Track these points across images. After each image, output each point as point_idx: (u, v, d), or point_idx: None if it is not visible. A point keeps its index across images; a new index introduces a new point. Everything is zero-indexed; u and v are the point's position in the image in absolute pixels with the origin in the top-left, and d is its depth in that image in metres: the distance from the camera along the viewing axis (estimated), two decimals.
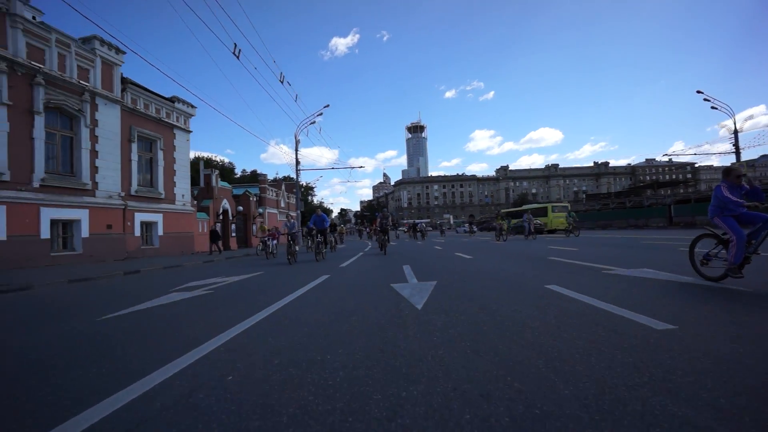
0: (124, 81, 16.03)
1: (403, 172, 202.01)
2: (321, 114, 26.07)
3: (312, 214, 12.32)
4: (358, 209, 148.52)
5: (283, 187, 36.50)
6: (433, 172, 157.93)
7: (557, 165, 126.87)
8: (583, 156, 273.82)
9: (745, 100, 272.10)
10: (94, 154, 14.45)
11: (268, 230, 14.97)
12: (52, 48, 12.94)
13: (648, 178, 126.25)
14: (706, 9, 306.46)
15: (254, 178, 56.03)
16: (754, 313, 2.64)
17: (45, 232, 12.48)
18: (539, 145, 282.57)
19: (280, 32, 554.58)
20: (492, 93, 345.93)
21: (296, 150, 25.37)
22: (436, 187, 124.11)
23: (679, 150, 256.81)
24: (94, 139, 14.46)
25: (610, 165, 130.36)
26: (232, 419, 1.47)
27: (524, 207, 38.77)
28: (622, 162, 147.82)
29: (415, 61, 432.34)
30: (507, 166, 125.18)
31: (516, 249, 11.26)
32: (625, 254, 7.76)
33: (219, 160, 54.70)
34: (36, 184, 12.23)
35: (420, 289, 4.40)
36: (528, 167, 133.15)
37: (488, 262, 7.73)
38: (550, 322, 2.63)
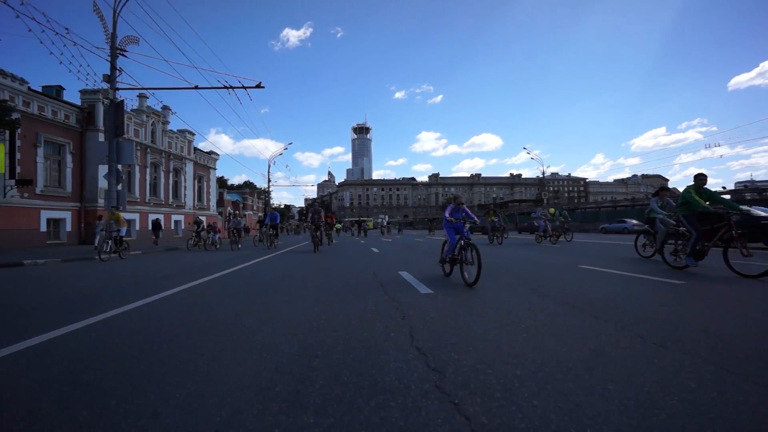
0: (195, 149, 32.11)
1: (348, 171, 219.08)
2: (287, 148, 43.06)
3: (267, 214, 17.10)
4: (302, 205, 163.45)
5: (255, 195, 52.63)
6: (379, 171, 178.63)
7: (480, 174, 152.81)
8: (519, 162, 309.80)
9: (650, 121, 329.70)
10: (185, 188, 30.56)
11: (209, 225, 18.08)
12: (174, 139, 28.97)
13: (551, 189, 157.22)
14: (625, 37, 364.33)
15: (223, 183, 70.24)
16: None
17: (172, 225, 28.60)
18: (481, 150, 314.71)
19: (229, 18, 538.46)
20: (440, 97, 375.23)
21: (268, 173, 42.16)
22: (375, 189, 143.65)
23: (599, 162, 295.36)
24: (184, 180, 30.56)
25: (523, 176, 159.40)
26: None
27: (360, 219, 67.29)
28: (553, 169, 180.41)
29: (366, 60, 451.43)
30: (438, 174, 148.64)
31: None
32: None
33: None
34: (173, 205, 28.40)
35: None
36: (456, 175, 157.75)
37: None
38: None
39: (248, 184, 69.53)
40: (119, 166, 14.17)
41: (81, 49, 15.96)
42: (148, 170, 25.98)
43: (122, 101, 15.00)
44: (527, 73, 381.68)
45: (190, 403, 1.70)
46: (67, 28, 11.84)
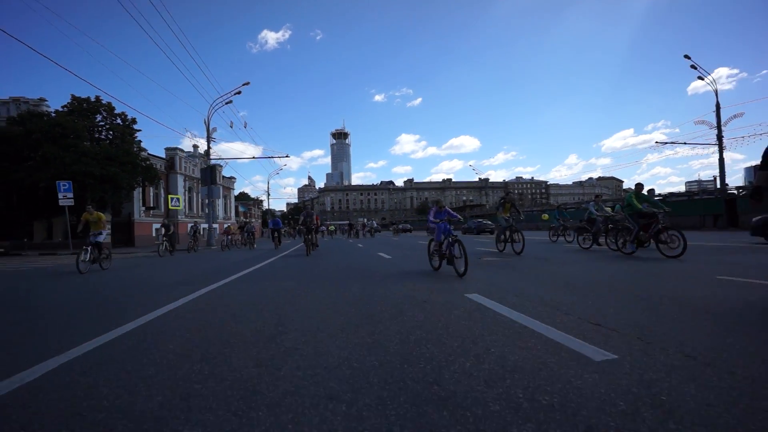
0: (223, 177, 45.82)
1: (327, 175, 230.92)
2: (282, 169, 57.02)
3: (270, 220, 25.10)
4: (283, 209, 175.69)
5: (256, 206, 66.19)
6: (359, 173, 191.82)
7: (451, 179, 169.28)
8: (497, 163, 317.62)
9: (619, 122, 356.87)
10: (216, 204, 44.18)
11: (226, 229, 27.24)
12: (218, 173, 42.67)
13: (516, 192, 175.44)
14: (595, 44, 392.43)
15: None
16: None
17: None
18: (459, 151, 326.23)
19: (205, 20, 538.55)
20: (419, 99, 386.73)
21: (268, 187, 55.98)
22: (355, 194, 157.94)
23: (573, 162, 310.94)
24: (218, 200, 44.18)
25: (490, 180, 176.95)
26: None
27: (350, 222, 75.12)
28: (529, 170, 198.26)
29: (346, 63, 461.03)
30: (412, 179, 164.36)
31: None
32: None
33: None
34: (218, 218, 42.18)
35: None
36: (430, 179, 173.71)
37: None
38: None
39: (243, 195, 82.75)
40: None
41: (195, 137, 29.77)
42: (195, 194, 39.58)
43: (215, 166, 28.91)
44: (504, 77, 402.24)
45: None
46: (196, 133, 25.78)
